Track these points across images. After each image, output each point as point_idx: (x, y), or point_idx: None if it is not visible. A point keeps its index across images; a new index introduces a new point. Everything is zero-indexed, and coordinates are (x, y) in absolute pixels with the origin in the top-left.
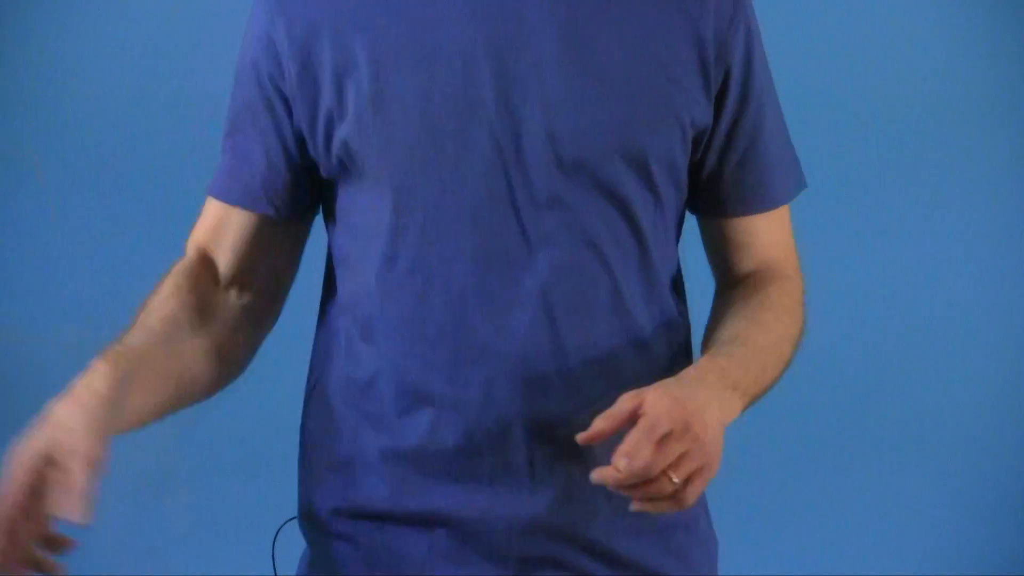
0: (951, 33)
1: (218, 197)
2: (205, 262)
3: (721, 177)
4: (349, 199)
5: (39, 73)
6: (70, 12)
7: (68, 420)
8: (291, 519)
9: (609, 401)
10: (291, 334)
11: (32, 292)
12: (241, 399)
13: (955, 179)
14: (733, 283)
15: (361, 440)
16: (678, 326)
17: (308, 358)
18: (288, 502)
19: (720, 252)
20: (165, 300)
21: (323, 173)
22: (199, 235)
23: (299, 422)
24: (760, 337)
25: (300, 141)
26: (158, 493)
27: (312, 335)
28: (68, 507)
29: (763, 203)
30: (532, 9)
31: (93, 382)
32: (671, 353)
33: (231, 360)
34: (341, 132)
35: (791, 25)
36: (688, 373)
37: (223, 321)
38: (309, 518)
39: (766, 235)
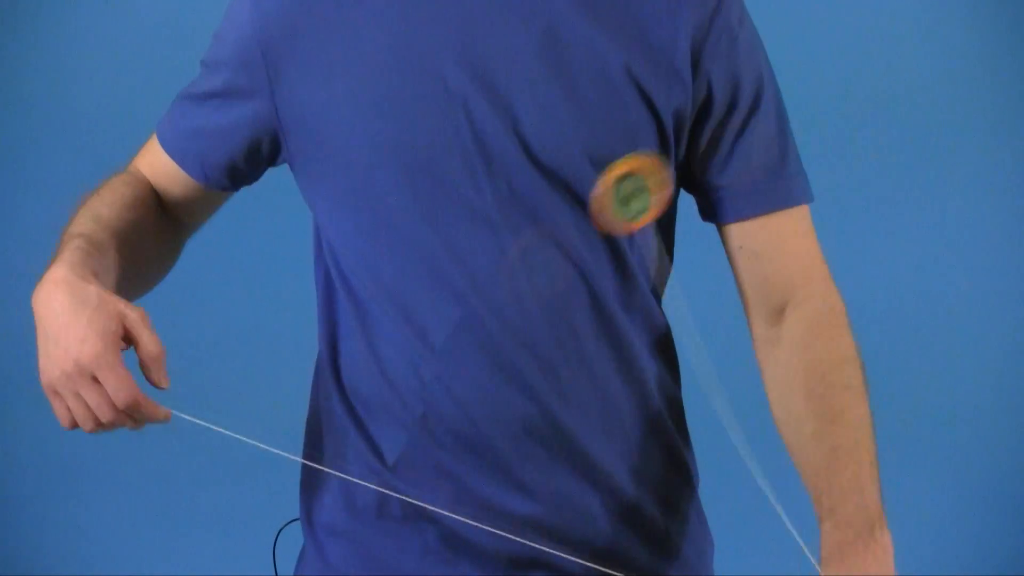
0: (951, 33)
1: (161, 143)
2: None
3: (708, 180)
4: (320, 208)
5: (39, 73)
6: (70, 12)
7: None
8: (292, 521)
9: (599, 404)
10: (292, 333)
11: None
12: (242, 399)
13: (954, 178)
14: (765, 322)
15: (356, 440)
16: (659, 325)
17: (309, 357)
18: (288, 502)
19: (734, 268)
20: (130, 195)
21: (296, 174)
22: (142, 167)
23: (300, 422)
24: (846, 437)
25: (258, 135)
26: (158, 493)
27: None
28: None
29: (758, 205)
30: (509, 16)
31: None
32: (652, 352)
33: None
34: (310, 132)
35: (792, 25)
36: (829, 557)
37: (163, 225)
38: (308, 516)
39: (776, 244)
